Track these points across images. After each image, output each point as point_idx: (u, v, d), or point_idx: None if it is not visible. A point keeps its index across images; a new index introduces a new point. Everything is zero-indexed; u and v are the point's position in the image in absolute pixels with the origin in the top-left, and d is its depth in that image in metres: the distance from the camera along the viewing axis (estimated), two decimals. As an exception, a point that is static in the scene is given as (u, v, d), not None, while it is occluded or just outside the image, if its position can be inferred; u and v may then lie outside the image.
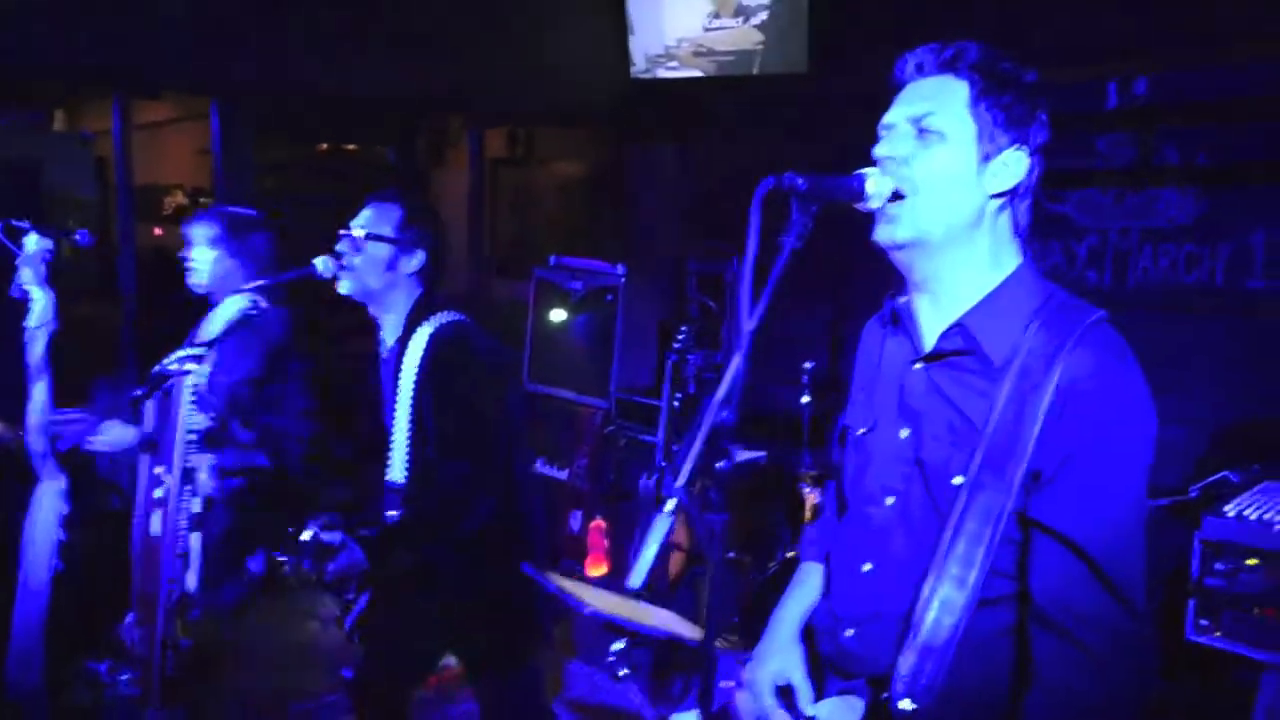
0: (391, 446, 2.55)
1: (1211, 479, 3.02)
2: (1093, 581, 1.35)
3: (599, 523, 4.38)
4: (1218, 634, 2.63)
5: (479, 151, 5.69)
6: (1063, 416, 1.35)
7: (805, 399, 3.85)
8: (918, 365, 1.52)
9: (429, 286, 2.61)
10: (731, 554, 3.79)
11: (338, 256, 2.53)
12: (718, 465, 1.22)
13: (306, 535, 2.36)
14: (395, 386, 2.54)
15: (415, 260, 2.56)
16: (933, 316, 1.52)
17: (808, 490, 3.73)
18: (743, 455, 4.15)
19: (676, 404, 4.02)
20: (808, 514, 3.73)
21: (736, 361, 1.25)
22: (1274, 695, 2.64)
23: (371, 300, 2.59)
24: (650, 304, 4.69)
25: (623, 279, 4.45)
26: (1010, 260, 1.49)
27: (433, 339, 2.50)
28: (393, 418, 2.55)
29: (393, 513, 2.54)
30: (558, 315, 4.72)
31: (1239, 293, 3.93)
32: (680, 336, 3.94)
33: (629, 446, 4.33)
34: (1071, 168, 4.26)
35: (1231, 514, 2.64)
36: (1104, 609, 1.36)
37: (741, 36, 4.70)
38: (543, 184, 6.69)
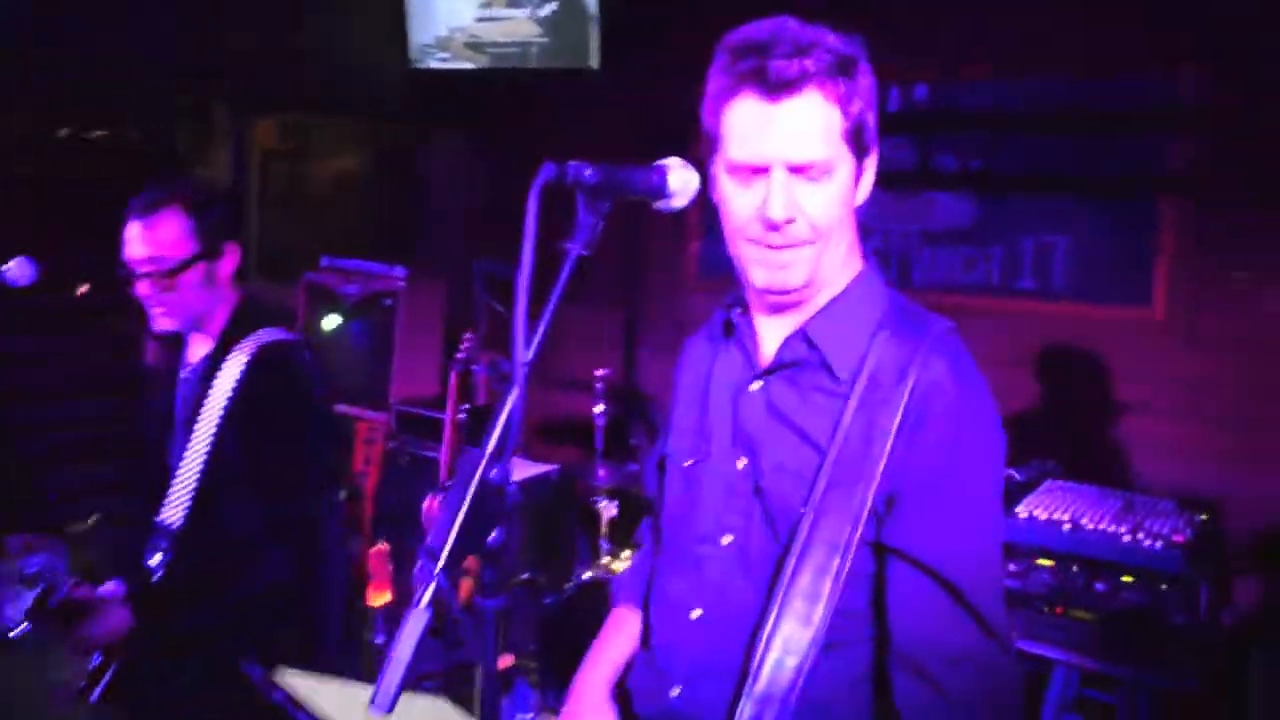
0: (174, 480, 2.13)
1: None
2: (960, 615, 1.21)
3: (381, 547, 4.03)
4: (1012, 633, 2.64)
5: (245, 141, 5.19)
6: (916, 433, 1.22)
7: (599, 408, 3.67)
8: (755, 385, 1.35)
9: (243, 290, 2.24)
10: (525, 574, 3.56)
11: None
12: (489, 540, 0.96)
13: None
14: (193, 411, 2.14)
15: (228, 261, 2.18)
16: (774, 327, 1.36)
17: (603, 504, 3.55)
18: (531, 470, 3.93)
19: (463, 416, 3.74)
20: (603, 528, 3.55)
21: (510, 402, 1.01)
22: (1062, 690, 2.68)
23: (195, 325, 2.20)
24: (435, 309, 4.38)
25: (402, 282, 4.13)
26: (854, 263, 1.36)
27: (252, 363, 2.13)
28: (183, 447, 2.14)
29: (157, 558, 2.13)
30: (331, 322, 4.33)
31: (1012, 293, 4.08)
32: (464, 344, 3.67)
33: (412, 464, 4.01)
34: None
35: (1023, 515, 2.66)
36: (974, 645, 1.21)
37: (516, 28, 4.47)
38: (318, 179, 6.20)
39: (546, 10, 4.43)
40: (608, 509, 3.55)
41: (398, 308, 4.10)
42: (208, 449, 2.11)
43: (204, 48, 4.32)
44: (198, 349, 2.23)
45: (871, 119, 1.28)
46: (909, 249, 4.32)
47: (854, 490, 1.21)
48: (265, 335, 2.17)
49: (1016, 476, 3.03)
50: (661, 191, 1.23)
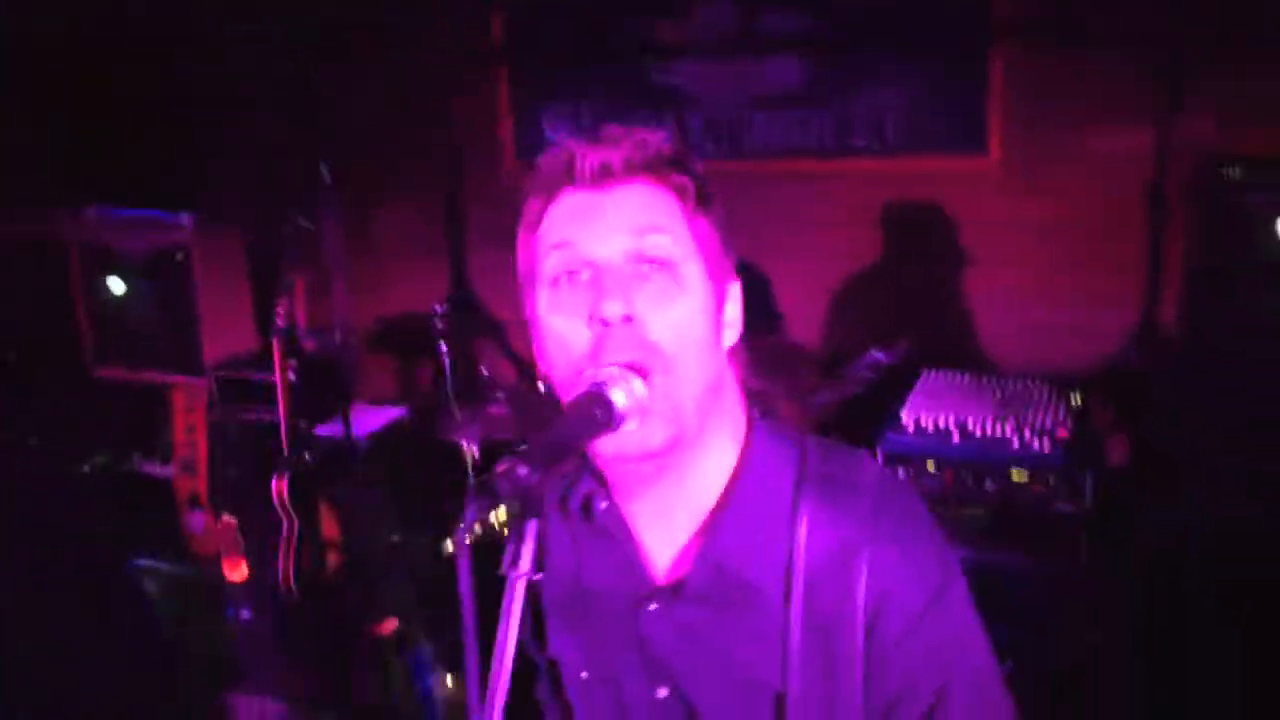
0: None
1: (865, 360, 2.99)
2: None
3: (228, 520, 3.71)
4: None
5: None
6: (891, 647, 0.99)
7: (443, 347, 3.37)
8: (654, 605, 1.06)
9: None
10: (395, 538, 3.34)
11: None
12: None
13: None
14: None
15: None
16: (652, 517, 1.06)
17: (466, 445, 3.32)
18: (378, 416, 3.65)
19: (293, 377, 3.38)
20: (470, 471, 3.33)
21: None
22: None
23: None
24: (234, 257, 3.89)
25: (190, 229, 3.62)
26: (741, 422, 1.08)
27: None
28: None
29: None
30: (117, 286, 3.78)
31: (847, 152, 3.96)
32: (279, 312, 3.26)
33: (242, 432, 3.64)
34: (676, 37, 4.03)
35: (910, 425, 2.62)
36: None
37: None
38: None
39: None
40: (470, 449, 3.33)
41: (190, 262, 3.61)
42: None
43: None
44: None
45: (724, 240, 1.05)
46: (739, 115, 4.11)
47: None
48: None
49: (883, 359, 2.99)
50: (611, 422, 0.91)
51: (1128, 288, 3.34)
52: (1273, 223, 2.25)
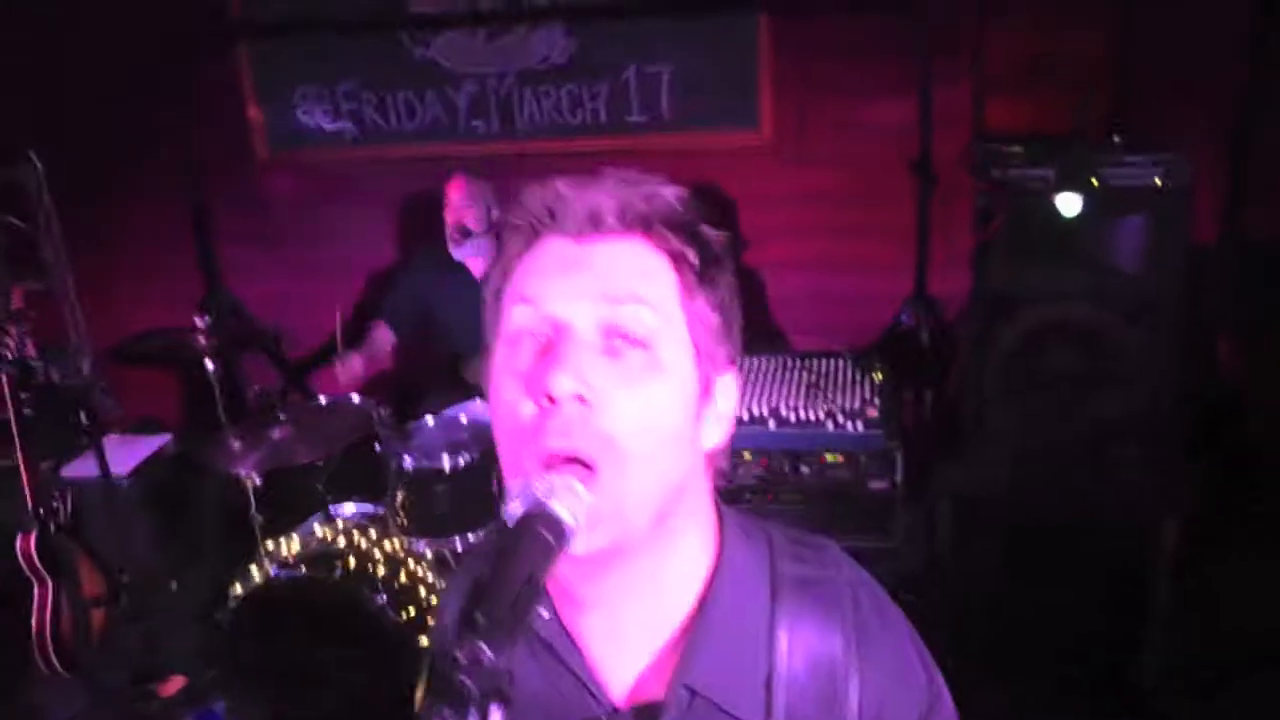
0: None
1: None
2: None
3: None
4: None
5: None
6: None
7: (209, 362, 3.02)
8: None
9: None
10: (173, 585, 2.99)
11: None
12: None
13: None
14: None
15: None
16: (613, 641, 0.92)
17: (245, 474, 2.99)
18: (138, 449, 3.25)
19: (29, 414, 2.94)
20: (253, 502, 3.01)
21: None
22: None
23: None
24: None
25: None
26: (712, 526, 0.95)
27: None
28: None
29: None
30: None
31: (622, 129, 3.89)
32: (9, 323, 2.82)
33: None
34: (434, 10, 3.79)
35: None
36: None
37: None
38: None
39: None
40: (249, 478, 3.02)
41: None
42: None
43: None
44: None
45: (724, 323, 0.89)
46: (509, 92, 3.93)
47: None
48: None
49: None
50: (562, 540, 0.76)
51: (904, 255, 3.47)
52: (1047, 198, 2.36)
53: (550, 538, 0.74)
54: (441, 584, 2.79)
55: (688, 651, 0.89)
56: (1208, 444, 2.69)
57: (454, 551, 2.86)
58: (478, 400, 3.24)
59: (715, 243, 0.88)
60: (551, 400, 0.79)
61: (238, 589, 2.79)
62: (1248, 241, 3.19)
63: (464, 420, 3.06)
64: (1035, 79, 3.39)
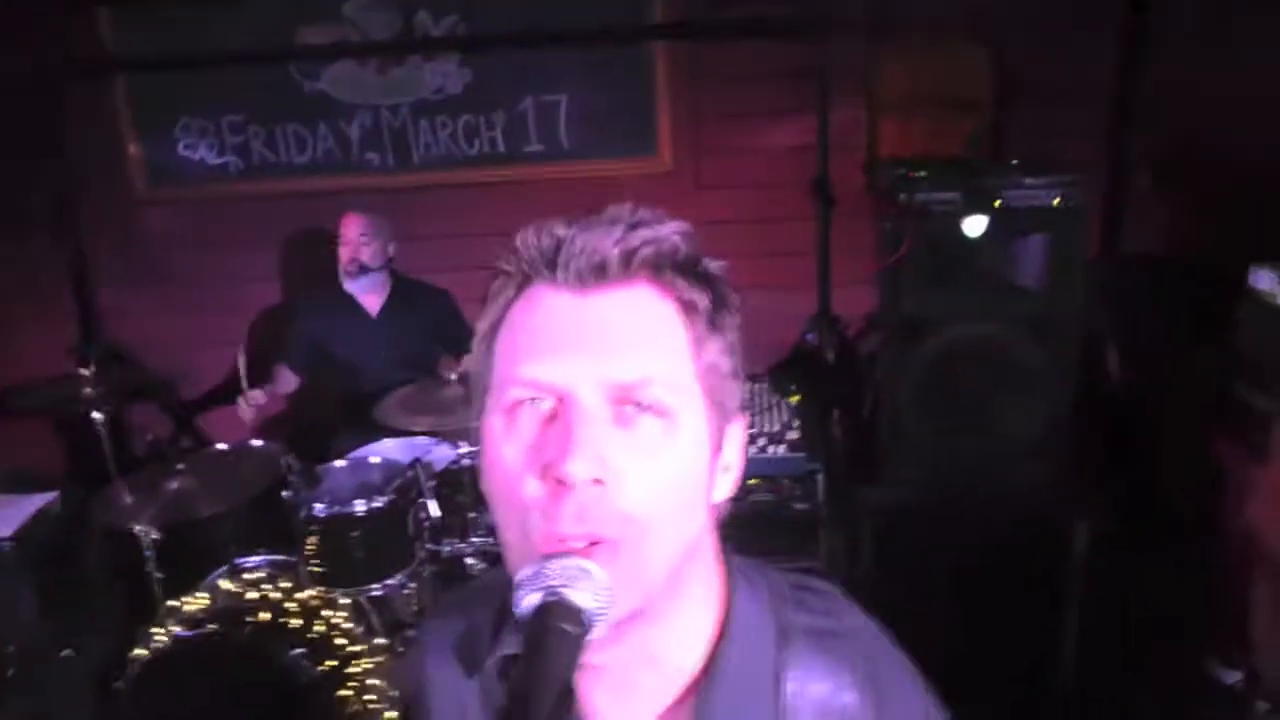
0: None
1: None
2: None
3: None
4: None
5: None
6: None
7: (95, 413, 2.84)
8: None
9: None
10: (66, 652, 2.80)
11: None
12: None
13: None
14: None
15: None
16: (619, 699, 0.87)
17: (142, 530, 2.83)
18: (22, 508, 3.04)
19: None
20: (152, 558, 2.84)
21: None
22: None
23: None
24: None
25: None
26: (719, 578, 0.90)
27: None
28: None
29: None
30: None
31: (520, 159, 3.86)
32: None
33: None
34: (321, 40, 3.69)
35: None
36: None
37: None
38: None
39: None
40: (148, 534, 2.85)
41: None
42: None
43: None
44: None
45: (734, 367, 0.84)
46: (403, 125, 3.85)
47: None
48: None
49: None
50: (585, 628, 0.72)
51: (807, 275, 3.52)
52: (954, 221, 2.43)
53: (573, 630, 0.70)
54: (360, 630, 2.69)
55: (698, 711, 0.85)
56: (1110, 450, 2.82)
57: (371, 599, 2.76)
58: (386, 440, 3.15)
59: (722, 281, 0.84)
60: (564, 483, 0.74)
61: (139, 652, 2.62)
62: (1127, 255, 3.38)
63: (375, 461, 2.96)
64: (922, 103, 3.51)
